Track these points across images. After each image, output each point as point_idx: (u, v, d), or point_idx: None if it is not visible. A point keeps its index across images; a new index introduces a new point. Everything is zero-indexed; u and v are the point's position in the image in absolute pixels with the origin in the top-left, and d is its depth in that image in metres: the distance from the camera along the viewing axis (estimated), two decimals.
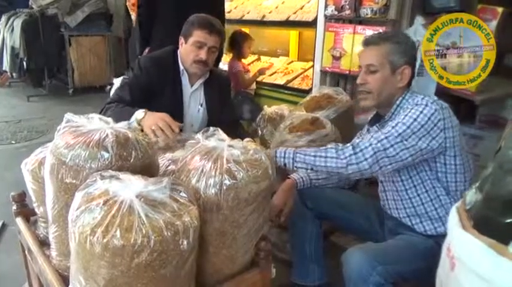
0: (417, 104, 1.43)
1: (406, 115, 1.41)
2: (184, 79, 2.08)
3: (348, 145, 1.44)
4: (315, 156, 1.45)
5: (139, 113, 1.74)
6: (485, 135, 2.39)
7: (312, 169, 1.47)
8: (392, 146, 1.38)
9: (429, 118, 1.38)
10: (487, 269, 0.69)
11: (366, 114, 2.66)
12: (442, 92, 2.30)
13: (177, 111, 2.05)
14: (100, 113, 1.80)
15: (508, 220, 0.72)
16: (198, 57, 1.98)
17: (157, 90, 2.01)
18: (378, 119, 1.64)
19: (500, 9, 2.14)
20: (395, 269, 1.33)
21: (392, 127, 1.41)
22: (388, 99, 1.54)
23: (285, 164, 1.51)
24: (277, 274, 1.36)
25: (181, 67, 2.07)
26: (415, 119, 1.39)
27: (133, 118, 1.72)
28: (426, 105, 1.41)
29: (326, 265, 1.77)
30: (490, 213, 0.77)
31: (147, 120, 1.70)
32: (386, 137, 1.39)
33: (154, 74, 2.01)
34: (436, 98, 1.48)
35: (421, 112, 1.39)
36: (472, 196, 0.83)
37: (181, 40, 2.03)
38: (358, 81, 1.57)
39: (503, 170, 0.76)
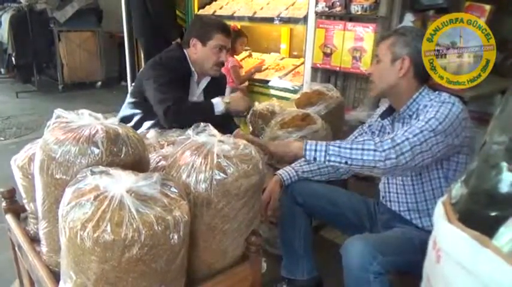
0: (444, 101, 1.41)
1: (437, 111, 1.39)
2: (193, 79, 2.12)
3: (386, 137, 1.39)
4: (351, 148, 1.38)
5: (226, 98, 1.99)
6: (474, 131, 2.42)
7: (346, 163, 1.39)
8: (426, 140, 1.35)
9: (457, 116, 1.38)
10: (472, 261, 0.71)
11: (356, 110, 2.69)
12: (432, 89, 2.32)
13: None
14: (165, 120, 1.89)
15: (493, 213, 0.73)
16: (220, 60, 2.05)
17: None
18: (391, 113, 1.64)
19: (487, 7, 2.17)
20: (393, 260, 1.35)
21: (426, 122, 1.38)
22: (390, 89, 1.55)
23: (314, 158, 1.43)
24: (267, 269, 1.37)
25: (192, 69, 2.09)
26: (446, 116, 1.38)
27: (221, 106, 1.95)
28: (454, 103, 1.40)
29: (316, 259, 1.79)
30: (475, 207, 0.78)
31: (240, 101, 2.01)
32: (421, 131, 1.36)
33: (176, 71, 2.03)
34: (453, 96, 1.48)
35: (450, 110, 1.39)
36: (457, 190, 0.85)
37: (195, 41, 2.04)
38: (367, 71, 1.65)
39: (488, 164, 0.78)
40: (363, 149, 1.36)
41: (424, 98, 1.51)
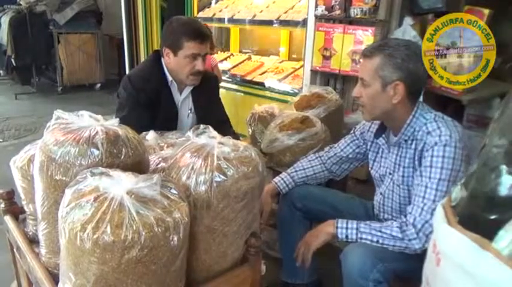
0: (446, 145, 1.35)
1: (442, 168, 1.34)
2: (173, 88, 2.02)
3: (409, 224, 1.36)
4: (381, 231, 1.39)
5: None
6: (472, 134, 2.43)
7: (377, 242, 1.39)
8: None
9: (462, 160, 1.35)
10: (472, 264, 0.71)
11: (355, 113, 2.69)
12: (430, 92, 2.34)
13: (170, 122, 2.02)
14: None
15: (492, 216, 0.73)
16: (195, 69, 1.91)
17: (154, 105, 1.95)
18: (383, 131, 1.59)
19: (486, 11, 2.18)
20: (393, 267, 1.35)
21: (436, 189, 1.34)
22: (384, 115, 1.48)
23: (346, 236, 1.43)
24: (267, 272, 1.37)
25: (169, 78, 1.99)
26: (452, 169, 1.34)
27: None
28: (455, 146, 1.35)
29: (316, 263, 1.78)
30: (475, 209, 0.78)
31: None
32: (438, 205, 1.34)
33: (148, 91, 1.93)
34: (450, 119, 1.43)
35: (454, 158, 1.34)
36: (457, 192, 0.85)
37: (167, 51, 1.91)
38: (353, 94, 1.52)
39: (488, 167, 0.78)
40: (392, 236, 1.37)
41: (418, 121, 1.44)
